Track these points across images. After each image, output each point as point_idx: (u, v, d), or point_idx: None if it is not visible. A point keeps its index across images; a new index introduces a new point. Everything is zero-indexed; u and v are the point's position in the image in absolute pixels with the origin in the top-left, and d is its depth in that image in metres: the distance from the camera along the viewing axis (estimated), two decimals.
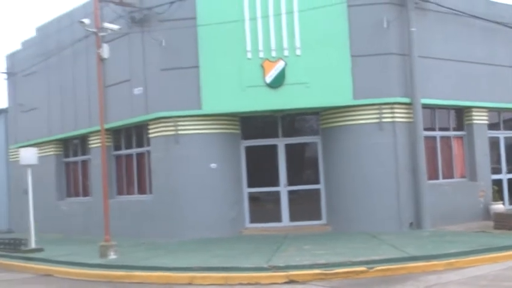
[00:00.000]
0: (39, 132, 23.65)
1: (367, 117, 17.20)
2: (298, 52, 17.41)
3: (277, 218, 18.32)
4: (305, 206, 18.33)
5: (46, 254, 16.18)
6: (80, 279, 12.77)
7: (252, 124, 18.70)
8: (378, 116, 17.07)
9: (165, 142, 17.93)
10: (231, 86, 17.52)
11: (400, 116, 17.21)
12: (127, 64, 19.20)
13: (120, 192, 20.30)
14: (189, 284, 11.30)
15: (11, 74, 25.73)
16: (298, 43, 17.38)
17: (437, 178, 18.47)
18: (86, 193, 22.13)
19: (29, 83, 24.57)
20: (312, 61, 17.32)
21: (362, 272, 11.10)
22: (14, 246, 17.31)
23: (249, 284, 10.91)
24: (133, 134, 19.80)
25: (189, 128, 17.85)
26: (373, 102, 17.07)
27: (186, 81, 17.76)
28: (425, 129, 17.85)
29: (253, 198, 18.57)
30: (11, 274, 14.40)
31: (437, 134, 18.78)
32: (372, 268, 11.18)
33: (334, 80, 17.20)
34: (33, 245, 16.98)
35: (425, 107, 17.84)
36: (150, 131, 18.44)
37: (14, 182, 25.87)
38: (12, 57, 25.83)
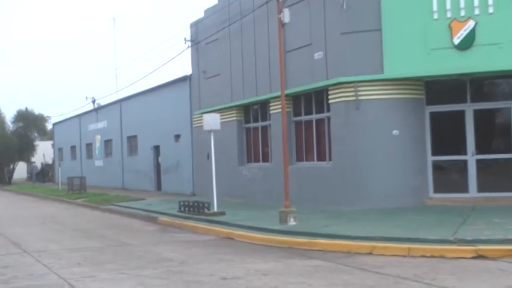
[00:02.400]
0: (222, 98, 24.74)
1: None
2: (490, 10, 16.39)
3: (464, 189, 17.58)
4: (495, 177, 17.36)
5: (227, 217, 17.03)
6: (260, 244, 13.27)
7: (438, 89, 18.01)
8: None
9: (345, 108, 17.92)
10: (415, 49, 17.00)
11: None
12: (307, 28, 19.35)
13: (299, 159, 20.70)
14: (370, 253, 11.30)
15: (194, 42, 27.12)
16: (490, 0, 16.37)
17: None
18: (265, 159, 22.87)
19: (211, 50, 25.72)
20: (505, 20, 16.22)
21: None
22: (197, 209, 18.40)
23: (432, 256, 10.66)
24: (313, 100, 20.01)
25: (370, 93, 17.64)
26: None
27: (367, 45, 17.53)
28: None
29: (437, 166, 17.99)
30: (195, 235, 15.39)
31: None
32: None
33: None
34: (215, 209, 17.90)
35: None
36: (330, 97, 18.50)
37: (197, 147, 27.42)
38: (195, 26, 27.15)
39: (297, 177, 19.73)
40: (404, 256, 10.89)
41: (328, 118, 19.00)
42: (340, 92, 18.03)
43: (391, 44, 17.29)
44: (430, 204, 17.43)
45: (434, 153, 17.92)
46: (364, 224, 14.07)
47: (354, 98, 17.70)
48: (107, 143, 41.48)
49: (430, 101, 18.00)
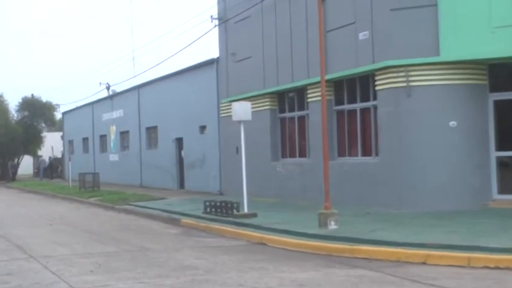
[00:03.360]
0: (253, 85, 24.79)
1: None
2: None
3: None
4: None
5: (259, 220, 17.06)
6: (295, 250, 13.27)
7: (503, 73, 17.76)
8: None
9: (394, 95, 17.80)
10: (477, 28, 16.78)
11: None
12: (351, 5, 19.24)
13: (341, 153, 20.65)
14: (423, 263, 11.20)
15: (222, 20, 27.15)
16: None
17: None
18: (302, 153, 22.87)
19: (241, 30, 25.76)
20: None
21: None
22: (225, 210, 18.45)
23: (497, 267, 10.51)
24: (357, 86, 19.91)
25: (424, 79, 17.48)
26: None
27: (420, 23, 17.37)
28: None
29: (502, 164, 17.74)
30: (222, 240, 15.44)
31: None
32: None
33: None
34: (245, 210, 17.92)
35: None
36: (377, 83, 18.40)
37: (225, 140, 27.51)
38: (223, 1, 27.16)
39: (339, 175, 19.69)
40: (463, 267, 10.78)
41: (375, 107, 18.90)
42: (389, 78, 17.91)
43: (448, 21, 17.10)
44: (493, 207, 17.22)
45: (498, 148, 17.69)
46: (416, 228, 13.97)
47: (404, 84, 17.58)
48: (123, 134, 41.88)
49: (494, 88, 17.76)
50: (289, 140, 23.75)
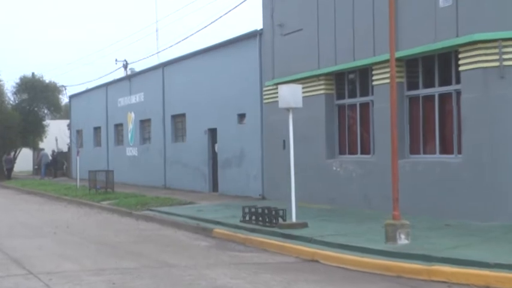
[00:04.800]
0: (304, 64, 24.74)
1: None
2: None
3: None
4: None
5: (311, 231, 17.07)
6: (356, 270, 13.24)
7: None
8: None
9: (483, 77, 17.64)
10: None
11: None
12: None
13: (414, 150, 20.52)
14: None
15: None
16: None
17: None
18: (365, 149, 22.78)
19: None
20: None
21: None
22: (269, 219, 18.53)
23: None
24: (435, 66, 19.75)
25: None
26: None
27: None
28: None
29: None
30: (265, 255, 15.50)
31: None
32: None
33: None
34: (293, 219, 17.95)
35: None
36: (461, 62, 18.23)
37: (269, 131, 27.57)
38: None
39: (411, 177, 19.60)
40: None
41: (458, 92, 18.76)
42: (477, 55, 17.75)
43: None
44: None
45: None
46: (509, 246, 13.83)
47: (497, 64, 17.39)
48: (144, 124, 42.21)
49: None
50: (349, 132, 23.69)
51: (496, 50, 17.38)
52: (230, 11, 32.47)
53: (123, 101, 45.02)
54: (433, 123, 19.92)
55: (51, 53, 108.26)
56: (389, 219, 14.94)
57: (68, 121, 58.70)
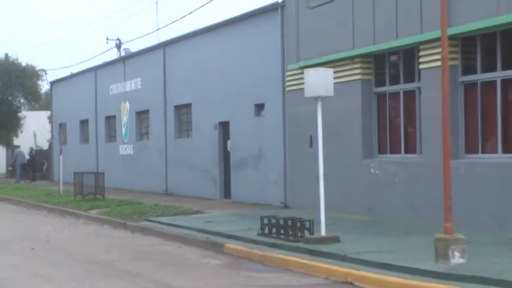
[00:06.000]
0: (336, 43, 24.74)
1: None
2: None
3: None
4: None
5: (343, 247, 17.08)
6: None
7: None
8: None
9: None
10: None
11: None
12: None
13: (471, 149, 20.52)
14: None
15: None
16: None
17: None
18: (410, 147, 22.77)
19: None
20: None
21: None
22: (292, 232, 18.54)
23: None
24: (496, 46, 19.70)
25: None
26: None
27: None
28: None
29: None
30: (287, 276, 15.53)
31: None
32: None
33: None
34: (323, 232, 17.95)
35: None
36: None
37: (293, 125, 27.60)
38: None
39: (467, 181, 19.58)
40: None
41: None
42: None
43: None
44: None
45: None
46: None
47: None
48: (141, 116, 42.35)
49: None
50: (391, 126, 23.70)
51: None
52: None
53: (115, 89, 45.14)
54: (494, 116, 19.86)
55: (28, 30, 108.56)
56: (440, 232, 14.91)
57: (48, 112, 58.78)
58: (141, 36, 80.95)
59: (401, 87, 23.08)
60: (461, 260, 14.52)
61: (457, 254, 14.58)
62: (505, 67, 19.50)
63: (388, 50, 23.11)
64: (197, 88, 34.90)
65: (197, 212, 26.85)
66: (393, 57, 23.51)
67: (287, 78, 27.87)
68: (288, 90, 27.70)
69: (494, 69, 19.84)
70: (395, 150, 23.48)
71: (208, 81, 33.73)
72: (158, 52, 39.51)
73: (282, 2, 28.30)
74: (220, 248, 19.21)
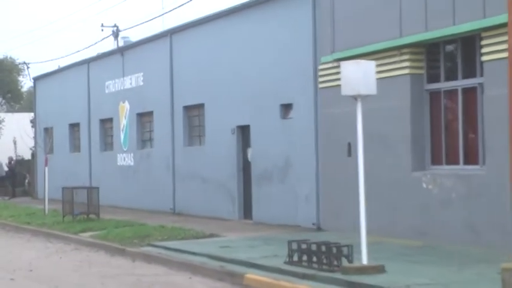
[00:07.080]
0: (379, 31, 24.77)
1: None
2: None
3: None
4: None
5: (390, 278, 17.08)
6: None
7: None
8: None
9: None
10: None
11: None
12: None
13: None
14: None
15: None
16: None
17: None
18: (471, 157, 22.76)
19: None
20: None
21: None
22: (327, 260, 18.54)
23: None
24: None
25: None
26: None
27: None
28: None
29: None
30: None
31: None
32: None
33: None
34: (364, 260, 17.96)
35: None
36: None
37: (326, 130, 27.64)
38: None
39: None
40: None
41: None
42: None
43: None
44: None
45: None
46: None
47: None
48: (143, 119, 42.48)
49: None
50: (446, 132, 23.70)
51: None
52: None
53: (112, 86, 45.31)
54: None
55: (6, 16, 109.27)
56: (508, 261, 14.87)
57: (31, 115, 59.13)
58: (142, 23, 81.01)
59: (460, 83, 23.08)
60: None
61: None
62: None
63: (442, 38, 23.10)
64: (211, 85, 34.95)
65: (211, 236, 26.86)
66: (449, 47, 23.51)
67: (320, 73, 27.89)
68: (321, 88, 27.70)
69: None
70: (452, 160, 23.45)
71: (225, 77, 33.77)
72: (164, 41, 39.58)
73: None
74: (239, 279, 19.18)
